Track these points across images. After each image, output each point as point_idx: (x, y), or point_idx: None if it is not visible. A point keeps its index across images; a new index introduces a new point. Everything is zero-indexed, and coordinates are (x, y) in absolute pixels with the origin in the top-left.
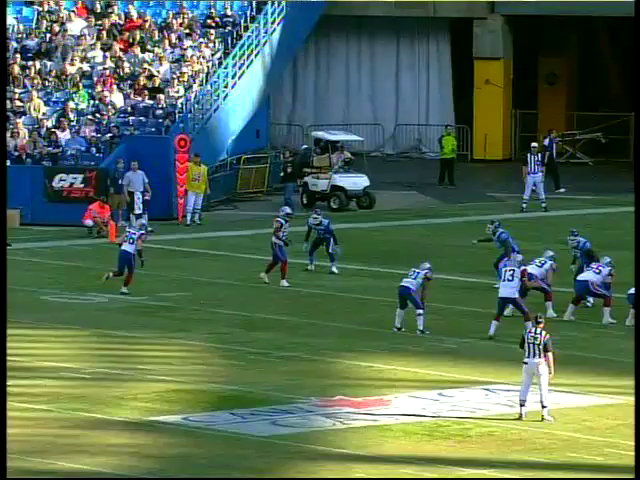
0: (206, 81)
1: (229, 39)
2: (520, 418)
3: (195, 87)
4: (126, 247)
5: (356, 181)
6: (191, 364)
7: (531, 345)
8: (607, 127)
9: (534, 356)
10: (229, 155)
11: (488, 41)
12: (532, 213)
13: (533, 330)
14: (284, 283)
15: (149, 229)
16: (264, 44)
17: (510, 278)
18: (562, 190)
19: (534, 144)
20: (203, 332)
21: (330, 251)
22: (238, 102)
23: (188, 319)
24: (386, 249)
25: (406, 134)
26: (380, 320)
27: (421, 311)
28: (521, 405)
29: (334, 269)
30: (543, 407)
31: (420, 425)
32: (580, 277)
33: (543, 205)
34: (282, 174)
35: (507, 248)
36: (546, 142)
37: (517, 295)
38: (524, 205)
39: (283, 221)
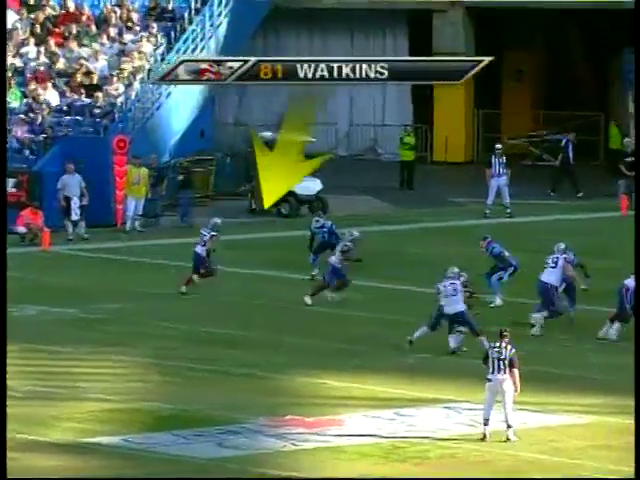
0: (148, 77)
1: (172, 33)
2: (484, 439)
3: (136, 84)
4: (197, 249)
5: (308, 185)
6: (128, 381)
7: (495, 361)
8: (576, 127)
9: (498, 372)
10: (172, 157)
11: (449, 35)
12: (496, 219)
13: (497, 344)
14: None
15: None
16: (209, 38)
17: (453, 293)
18: (580, 194)
19: (498, 145)
20: (142, 347)
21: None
22: (181, 100)
23: (126, 333)
24: None
25: (361, 134)
26: (334, 335)
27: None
28: (484, 425)
29: None
30: (508, 427)
31: (376, 447)
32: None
33: (508, 211)
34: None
35: (504, 262)
36: (564, 141)
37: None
38: (487, 211)
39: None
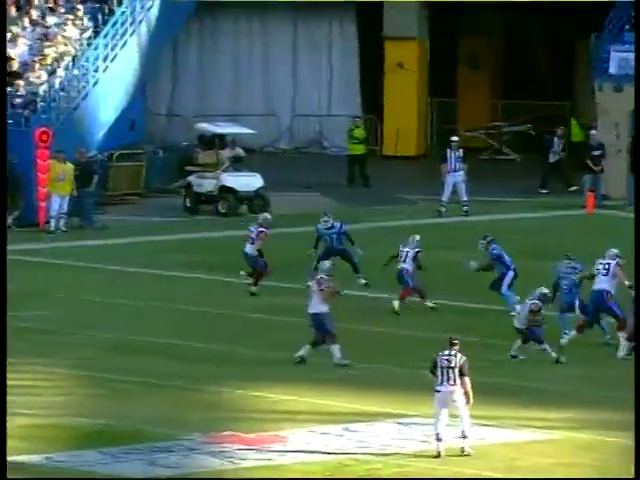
0: (73, 64)
1: (99, 16)
2: (438, 455)
3: (60, 71)
4: (246, 248)
5: (247, 181)
6: (53, 395)
7: (445, 370)
8: (538, 118)
9: (447, 382)
10: (99, 151)
11: (400, 18)
12: (451, 218)
13: (447, 352)
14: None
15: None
16: (140, 22)
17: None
18: (574, 188)
19: (454, 138)
20: (67, 358)
21: (356, 262)
22: (110, 89)
23: (49, 342)
24: (281, 261)
25: (305, 126)
26: (276, 343)
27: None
28: (438, 440)
29: (362, 281)
30: (464, 437)
31: (322, 465)
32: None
33: (464, 209)
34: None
35: (496, 266)
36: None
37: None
38: (442, 209)
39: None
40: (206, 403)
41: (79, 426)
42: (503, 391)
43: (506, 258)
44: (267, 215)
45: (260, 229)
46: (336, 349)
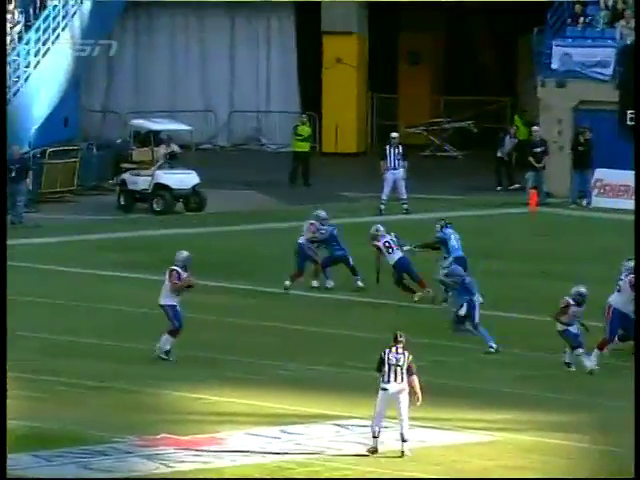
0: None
1: (31, 9)
2: (375, 452)
3: None
4: (301, 240)
5: (183, 178)
6: None
7: (393, 367)
8: (480, 114)
9: (395, 381)
10: (32, 147)
11: (339, 13)
12: (392, 216)
13: (394, 350)
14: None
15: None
16: (73, 15)
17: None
18: (516, 186)
19: (394, 134)
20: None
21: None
22: (42, 85)
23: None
24: (218, 259)
25: (243, 123)
26: (211, 343)
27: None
28: (375, 437)
29: (359, 283)
30: (404, 441)
31: (259, 467)
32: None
33: (404, 206)
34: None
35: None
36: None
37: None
38: (382, 206)
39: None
40: (142, 405)
41: (12, 429)
42: (445, 392)
43: (451, 244)
44: (322, 212)
45: (311, 221)
46: (167, 340)
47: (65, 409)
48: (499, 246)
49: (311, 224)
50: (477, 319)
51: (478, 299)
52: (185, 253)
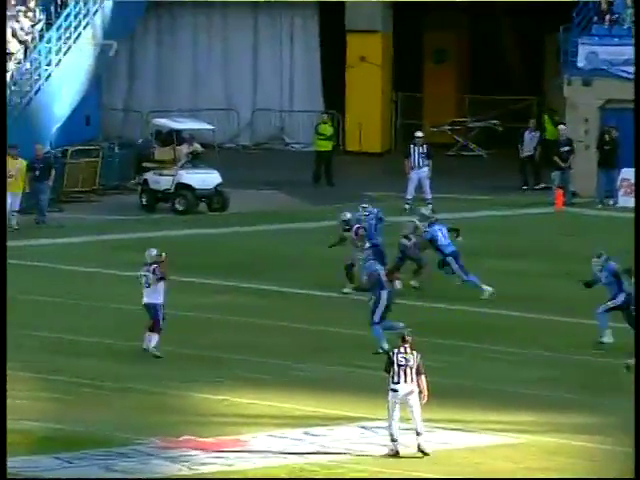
0: (25, 58)
1: (52, 7)
2: (397, 454)
3: (11, 65)
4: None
5: (206, 178)
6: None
7: (402, 368)
8: (506, 113)
9: (405, 381)
10: (53, 147)
11: (364, 11)
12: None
13: (402, 350)
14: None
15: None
16: (94, 14)
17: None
18: (542, 185)
19: (419, 133)
20: (18, 360)
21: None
22: (64, 83)
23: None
24: (240, 260)
25: (266, 122)
26: (232, 344)
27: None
28: (394, 440)
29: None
30: (418, 434)
31: (283, 469)
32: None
33: (429, 206)
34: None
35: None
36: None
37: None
38: (407, 206)
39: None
40: (165, 407)
41: (33, 431)
42: (463, 393)
43: (440, 242)
44: (425, 211)
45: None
46: (154, 338)
47: (87, 410)
48: (524, 246)
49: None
50: (378, 318)
51: (383, 297)
52: (154, 251)
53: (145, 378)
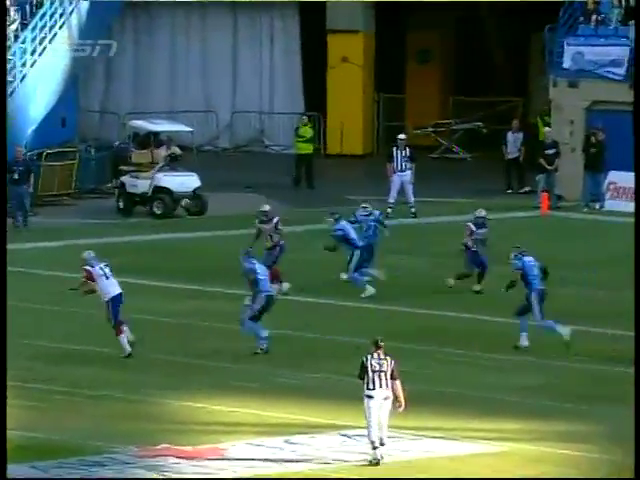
0: None
1: (27, 7)
2: (378, 463)
3: None
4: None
5: (184, 181)
6: None
7: (377, 373)
8: (490, 115)
9: (380, 387)
10: (28, 149)
11: (345, 10)
12: (399, 220)
13: (376, 355)
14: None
15: None
16: (70, 13)
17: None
18: (526, 189)
19: (401, 136)
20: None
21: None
22: (39, 84)
23: None
24: (219, 264)
25: (245, 124)
26: (212, 351)
27: None
28: (374, 448)
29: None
30: (382, 444)
31: (262, 479)
32: None
33: (412, 210)
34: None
35: (342, 246)
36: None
37: None
38: (389, 210)
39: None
40: (142, 414)
41: (9, 439)
42: (444, 400)
43: (352, 236)
44: (482, 212)
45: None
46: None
47: (62, 418)
48: (509, 251)
49: (467, 226)
50: (247, 316)
51: (262, 296)
52: (92, 253)
53: (122, 385)
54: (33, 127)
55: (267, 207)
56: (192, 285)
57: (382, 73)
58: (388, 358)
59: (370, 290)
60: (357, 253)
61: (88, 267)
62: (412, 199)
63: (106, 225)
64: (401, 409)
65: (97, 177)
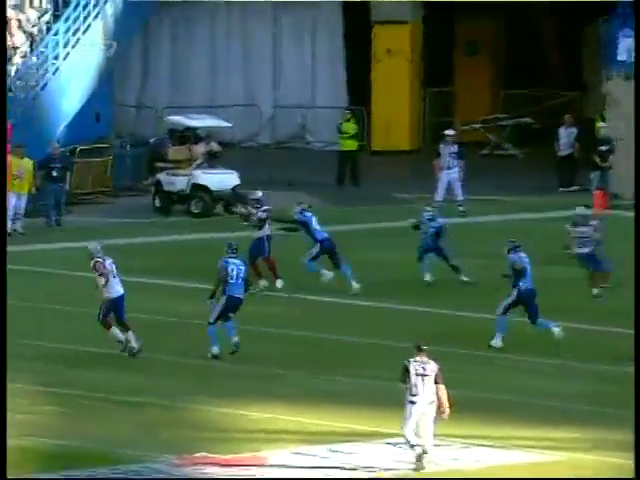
0: (31, 51)
1: None
2: (420, 459)
3: (16, 59)
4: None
5: (223, 179)
6: (13, 413)
7: (420, 378)
8: (543, 109)
9: (424, 392)
10: (61, 145)
11: (390, 5)
12: (447, 219)
13: (419, 359)
14: None
15: None
16: (105, 3)
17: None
18: (575, 187)
19: (449, 132)
20: (18, 371)
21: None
22: (72, 78)
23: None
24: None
25: (288, 119)
26: (248, 355)
27: None
28: (419, 455)
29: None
30: (425, 453)
31: None
32: None
33: (460, 209)
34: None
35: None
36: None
37: None
38: (435, 209)
39: None
40: (175, 422)
41: (40, 447)
42: (493, 406)
43: (313, 227)
44: (581, 209)
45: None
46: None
47: (96, 426)
48: (561, 252)
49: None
50: (212, 318)
51: (223, 300)
52: (99, 245)
53: (157, 391)
54: (66, 122)
55: (259, 194)
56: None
57: (430, 66)
58: (432, 362)
59: (327, 274)
60: (317, 246)
61: (99, 259)
62: (461, 197)
63: (141, 224)
64: (445, 415)
65: (133, 174)
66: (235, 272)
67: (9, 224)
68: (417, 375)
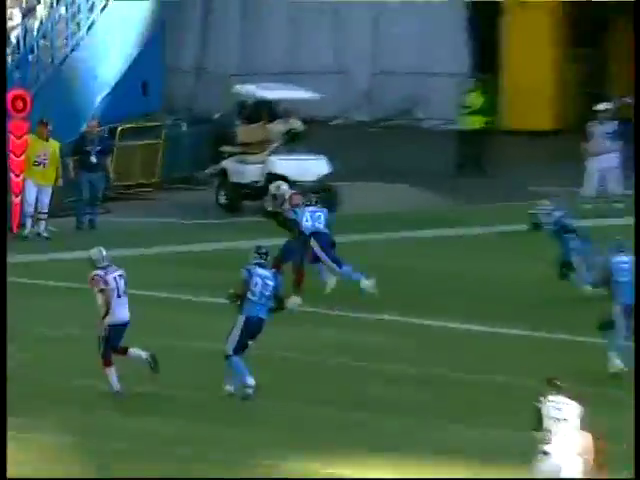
0: (57, 2)
1: None
2: None
3: (40, 12)
4: None
5: (307, 166)
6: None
7: (556, 423)
8: None
9: (560, 441)
10: (98, 123)
11: None
12: (601, 219)
13: (555, 400)
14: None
15: None
16: None
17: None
18: None
19: (604, 106)
20: (53, 416)
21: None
22: (111, 37)
23: (23, 396)
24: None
25: (391, 90)
26: (340, 397)
27: None
28: None
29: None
30: None
31: None
32: None
33: (618, 206)
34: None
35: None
36: None
37: None
38: (586, 206)
39: None
40: None
41: None
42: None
43: (304, 224)
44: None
45: None
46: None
47: None
48: None
49: None
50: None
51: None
52: (104, 251)
53: (229, 443)
54: (103, 94)
55: (284, 186)
56: (321, 309)
57: (578, 20)
58: (572, 403)
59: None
60: (314, 244)
61: (99, 273)
62: (619, 191)
63: (200, 227)
64: (591, 469)
65: (190, 161)
66: (259, 287)
67: (28, 224)
68: (552, 420)
